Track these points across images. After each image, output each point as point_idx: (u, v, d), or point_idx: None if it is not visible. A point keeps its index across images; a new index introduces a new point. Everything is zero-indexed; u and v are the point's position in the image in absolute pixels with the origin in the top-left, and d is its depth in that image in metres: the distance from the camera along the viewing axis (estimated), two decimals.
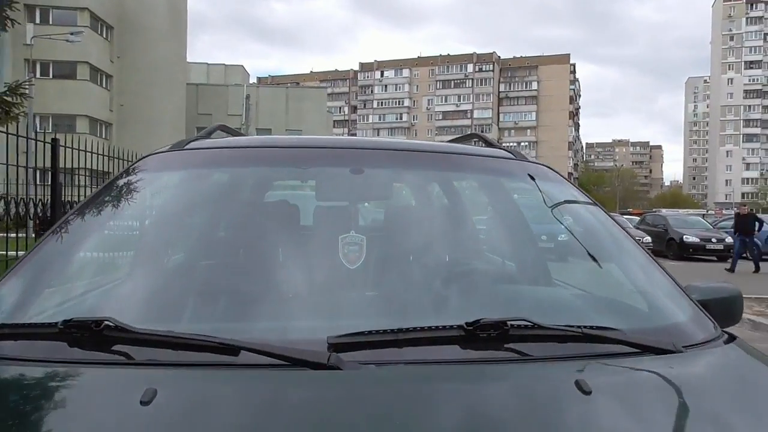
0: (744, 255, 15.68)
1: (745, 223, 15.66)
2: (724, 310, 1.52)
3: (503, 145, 2.06)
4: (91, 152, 8.27)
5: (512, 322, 1.10)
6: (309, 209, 1.84)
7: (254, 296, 1.32)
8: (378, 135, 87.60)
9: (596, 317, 1.42)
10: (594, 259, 1.59)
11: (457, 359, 1.08)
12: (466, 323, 1.09)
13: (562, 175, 1.85)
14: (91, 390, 1.00)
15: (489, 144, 2.02)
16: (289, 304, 1.31)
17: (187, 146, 1.74)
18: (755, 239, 16.12)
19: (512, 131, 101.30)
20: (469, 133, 2.35)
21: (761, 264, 15.42)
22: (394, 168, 1.71)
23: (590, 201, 1.78)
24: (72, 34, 26.85)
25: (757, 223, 15.81)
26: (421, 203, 1.94)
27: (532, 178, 1.76)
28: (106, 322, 1.05)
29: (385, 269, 1.46)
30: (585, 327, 1.14)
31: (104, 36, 36.66)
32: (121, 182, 1.66)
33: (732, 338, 1.32)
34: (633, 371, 1.11)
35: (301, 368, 1.01)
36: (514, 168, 1.80)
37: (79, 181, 8.62)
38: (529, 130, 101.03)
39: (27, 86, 8.44)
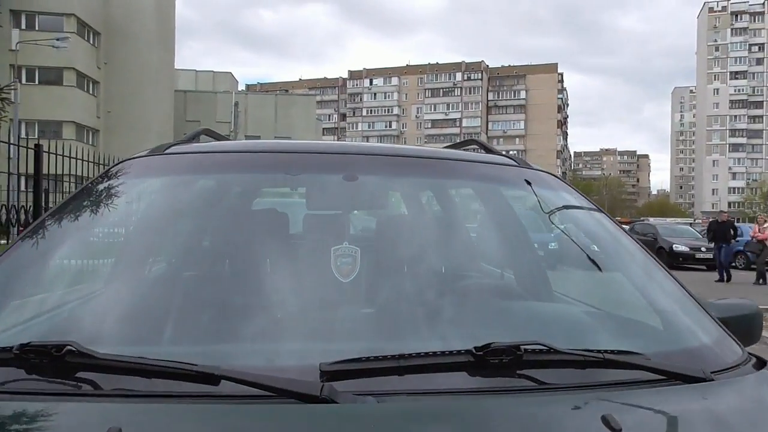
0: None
1: (724, 231, 15.72)
2: (743, 329, 1.42)
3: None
4: (75, 158, 8.11)
5: (526, 347, 0.98)
6: (299, 219, 1.74)
7: (238, 315, 1.19)
8: (367, 142, 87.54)
9: (610, 338, 1.31)
10: (603, 272, 1.50)
11: (466, 389, 0.96)
12: (475, 348, 0.97)
13: (567, 183, 1.75)
14: (48, 428, 0.88)
15: (488, 150, 1.92)
16: (277, 324, 1.18)
17: (167, 151, 1.62)
18: (744, 250, 16.21)
19: (501, 140, 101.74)
20: (466, 139, 2.25)
21: (743, 274, 15.56)
22: (390, 175, 1.60)
23: (596, 209, 1.69)
24: (58, 39, 26.55)
25: (732, 231, 15.94)
26: (419, 213, 1.83)
27: (536, 186, 1.66)
28: (69, 347, 0.92)
29: (381, 284, 1.35)
30: (606, 351, 1.03)
31: (91, 42, 36.35)
32: (93, 189, 1.54)
33: (762, 362, 1.21)
34: (662, 404, 0.99)
35: (290, 401, 0.88)
36: (516, 175, 1.70)
37: (63, 187, 8.45)
38: (517, 139, 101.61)
39: (8, 91, 8.25)
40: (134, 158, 1.65)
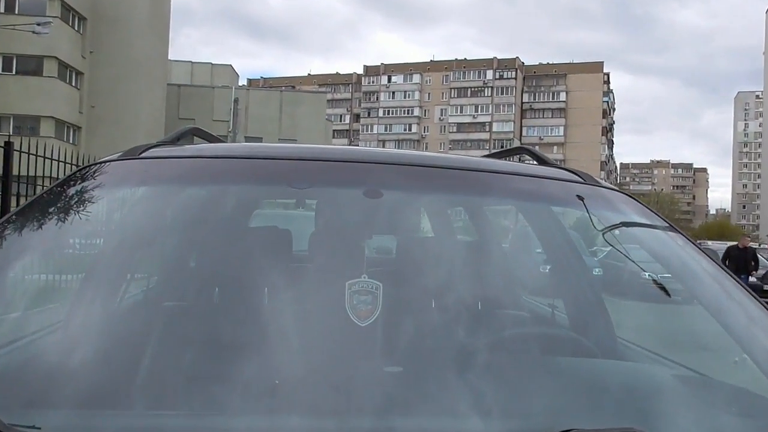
0: None
1: (744, 259, 14.30)
2: None
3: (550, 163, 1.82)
4: (51, 158, 8.09)
5: None
6: (304, 243, 1.59)
7: (223, 376, 1.04)
8: (383, 147, 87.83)
9: (714, 416, 1.13)
10: (688, 317, 1.35)
11: None
12: None
13: (648, 207, 1.58)
14: None
15: (542, 161, 1.77)
16: (273, 392, 1.02)
17: (143, 154, 1.49)
18: (764, 282, 14.78)
19: (536, 147, 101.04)
20: (515, 146, 2.09)
21: None
22: (423, 191, 1.45)
23: (689, 240, 1.52)
24: (39, 24, 26.88)
25: (753, 261, 14.56)
26: (460, 239, 1.68)
27: (604, 209, 1.52)
28: None
29: (410, 331, 1.19)
30: None
31: (76, 28, 36.85)
32: (48, 200, 1.40)
33: None
34: None
35: None
36: (582, 194, 1.53)
37: (35, 191, 8.44)
38: (555, 147, 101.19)
39: None
40: (103, 162, 1.52)
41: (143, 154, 1.50)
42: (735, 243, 15.73)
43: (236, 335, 1.16)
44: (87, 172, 1.49)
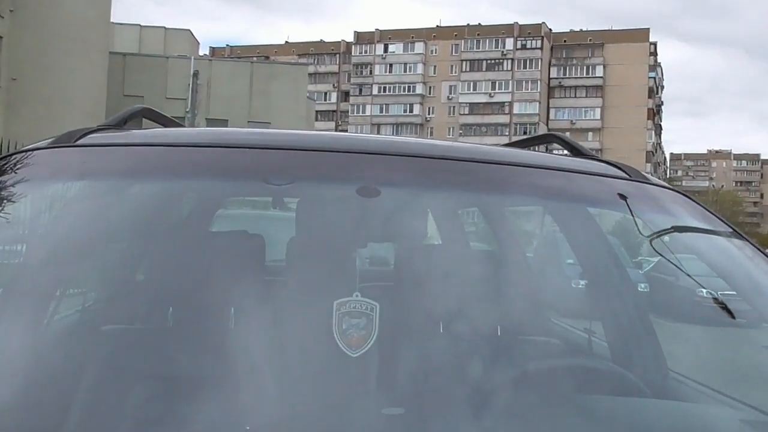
0: None
1: None
2: None
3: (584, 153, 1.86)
4: None
5: None
6: (281, 253, 1.61)
7: (179, 423, 1.05)
8: (378, 133, 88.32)
9: None
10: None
11: None
12: None
13: (708, 210, 1.61)
14: None
15: (576, 152, 1.79)
16: None
17: (80, 140, 1.50)
18: None
19: (567, 133, 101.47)
20: (542, 133, 2.11)
21: None
22: (429, 188, 1.47)
23: (758, 249, 1.55)
24: None
25: None
26: (475, 250, 1.70)
27: (652, 211, 1.55)
28: None
29: (413, 363, 1.21)
30: None
31: None
32: None
33: None
34: None
35: None
36: (626, 193, 1.56)
37: None
38: (590, 133, 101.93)
39: None
40: (29, 151, 1.53)
41: (80, 141, 1.51)
42: None
43: (196, 368, 1.18)
44: (8, 162, 1.51)
